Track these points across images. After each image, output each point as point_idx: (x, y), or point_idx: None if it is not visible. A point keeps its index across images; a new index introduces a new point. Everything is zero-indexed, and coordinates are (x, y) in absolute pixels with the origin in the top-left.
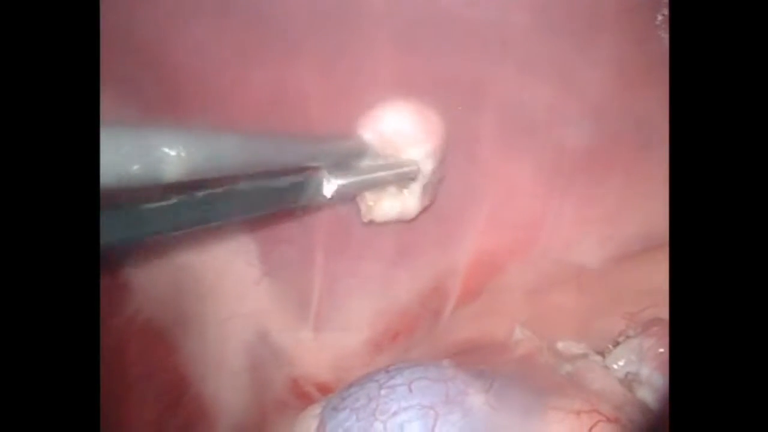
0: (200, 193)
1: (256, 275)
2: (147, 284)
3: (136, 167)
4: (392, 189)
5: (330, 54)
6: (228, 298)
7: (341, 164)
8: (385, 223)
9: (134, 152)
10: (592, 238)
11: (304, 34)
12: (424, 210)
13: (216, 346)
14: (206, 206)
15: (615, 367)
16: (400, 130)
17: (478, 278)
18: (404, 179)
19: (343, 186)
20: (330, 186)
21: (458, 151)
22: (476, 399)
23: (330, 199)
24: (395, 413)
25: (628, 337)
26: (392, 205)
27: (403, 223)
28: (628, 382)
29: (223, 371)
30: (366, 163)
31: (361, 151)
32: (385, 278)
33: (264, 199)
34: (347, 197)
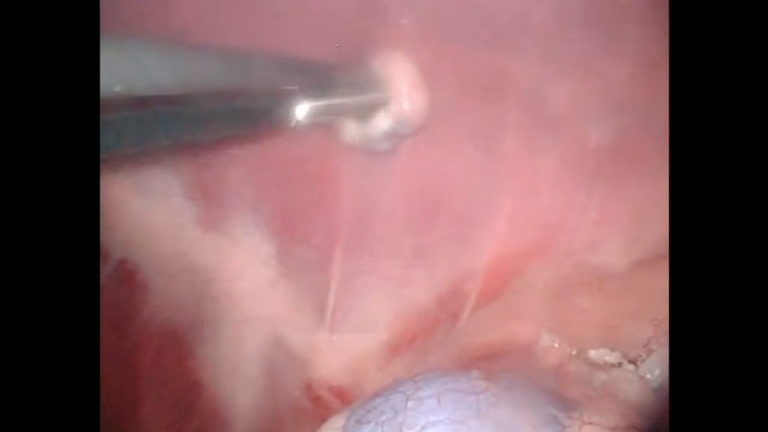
0: (166, 108)
1: (273, 276)
2: (163, 287)
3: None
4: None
5: (351, 41)
6: (244, 301)
7: (314, 89)
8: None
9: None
10: (616, 239)
11: (326, 21)
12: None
13: (231, 349)
14: (171, 121)
15: (649, 376)
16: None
17: (497, 279)
18: (372, 107)
19: (316, 108)
20: (302, 108)
21: (477, 145)
22: (508, 413)
23: (301, 121)
24: (423, 428)
25: (660, 344)
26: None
27: (421, 220)
28: (666, 394)
29: (238, 375)
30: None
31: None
32: (403, 279)
33: (232, 119)
34: (319, 121)
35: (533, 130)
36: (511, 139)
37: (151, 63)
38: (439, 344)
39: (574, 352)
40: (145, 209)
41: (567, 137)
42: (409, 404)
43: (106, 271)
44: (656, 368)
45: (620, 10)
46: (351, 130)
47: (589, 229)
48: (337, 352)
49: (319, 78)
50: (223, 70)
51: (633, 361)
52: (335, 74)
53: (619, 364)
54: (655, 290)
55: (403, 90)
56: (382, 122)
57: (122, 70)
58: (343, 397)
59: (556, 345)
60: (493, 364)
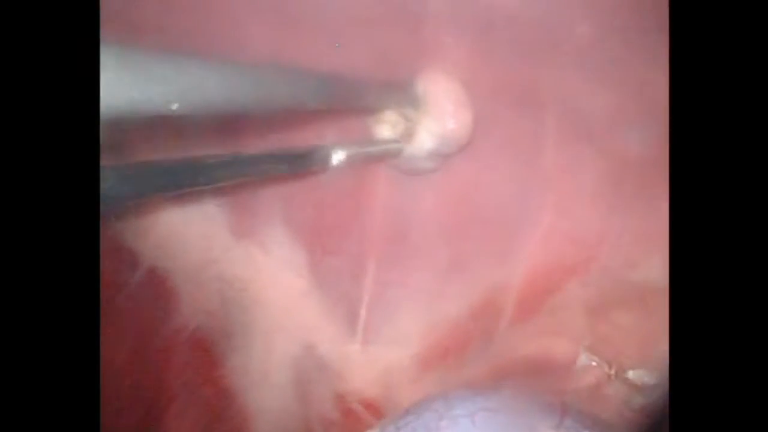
0: (209, 156)
1: (304, 287)
2: (193, 295)
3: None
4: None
5: (394, 60)
6: (274, 311)
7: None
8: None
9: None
10: (658, 255)
11: (362, 32)
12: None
13: (261, 359)
14: (215, 168)
15: None
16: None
17: (534, 295)
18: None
19: (349, 156)
20: (337, 156)
21: (515, 158)
22: None
23: (335, 166)
24: None
25: None
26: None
27: (457, 232)
28: None
29: (267, 385)
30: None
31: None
32: (437, 291)
33: (272, 165)
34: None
35: (572, 143)
36: (550, 152)
37: (208, 80)
38: (473, 359)
39: (612, 372)
40: (175, 216)
41: (606, 150)
42: (442, 423)
43: (135, 278)
44: None
45: (657, 19)
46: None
47: (629, 243)
48: (369, 364)
49: (365, 97)
50: (276, 87)
51: None
52: (380, 94)
53: (659, 386)
54: None
55: (447, 109)
56: (426, 142)
57: (179, 88)
58: (374, 410)
59: (594, 364)
60: (527, 382)
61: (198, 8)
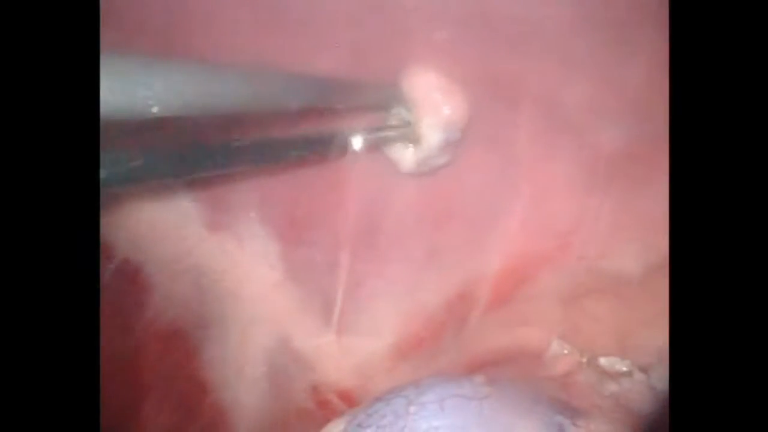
0: (232, 141)
1: (278, 278)
2: (167, 286)
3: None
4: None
5: (369, 48)
6: (249, 302)
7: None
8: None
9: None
10: (632, 245)
11: (346, 29)
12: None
13: (236, 350)
14: (236, 153)
15: (660, 386)
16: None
17: (508, 285)
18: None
19: (368, 140)
20: (357, 139)
21: (492, 150)
22: (512, 420)
23: (357, 151)
24: None
25: None
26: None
27: (432, 224)
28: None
29: (243, 377)
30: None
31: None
32: (412, 282)
33: (295, 150)
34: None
35: (549, 135)
36: (526, 144)
37: (187, 84)
38: (447, 349)
39: (584, 360)
40: (150, 209)
41: (583, 143)
42: (411, 409)
43: (108, 269)
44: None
45: (637, 15)
46: (408, 157)
47: (603, 234)
48: (344, 355)
49: (351, 97)
50: (257, 90)
51: (644, 370)
52: (365, 93)
53: (630, 373)
54: None
55: (437, 98)
56: (432, 137)
57: (159, 91)
58: (350, 401)
59: (566, 352)
60: (499, 370)
61: (192, 13)
